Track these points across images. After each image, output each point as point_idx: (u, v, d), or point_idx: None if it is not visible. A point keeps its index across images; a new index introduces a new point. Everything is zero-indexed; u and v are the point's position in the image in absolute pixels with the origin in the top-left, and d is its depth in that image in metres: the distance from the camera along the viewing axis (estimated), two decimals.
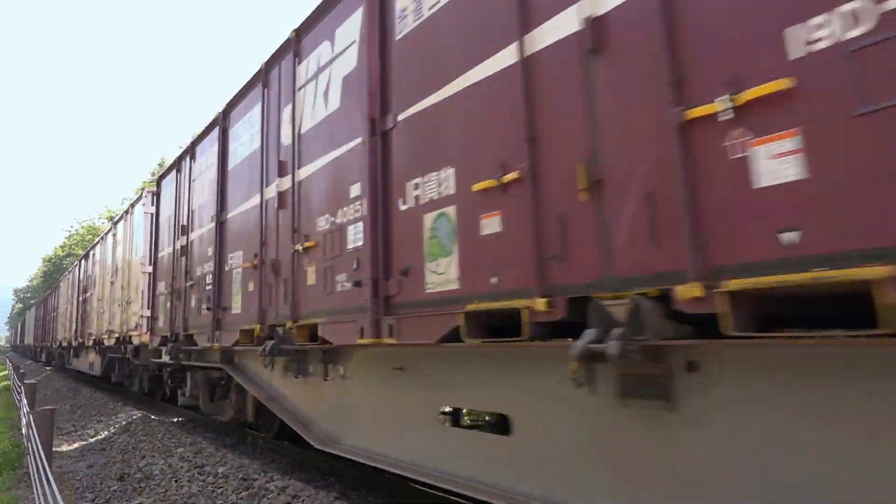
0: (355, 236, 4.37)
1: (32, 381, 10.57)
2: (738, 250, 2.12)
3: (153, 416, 10.45)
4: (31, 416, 6.49)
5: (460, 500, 4.52)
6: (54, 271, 54.30)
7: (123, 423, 10.49)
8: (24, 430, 8.93)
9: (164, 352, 9.18)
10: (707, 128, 2.24)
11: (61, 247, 55.80)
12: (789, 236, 1.98)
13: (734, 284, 2.08)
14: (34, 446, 5.52)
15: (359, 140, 4.43)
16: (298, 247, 5.13)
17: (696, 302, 2.19)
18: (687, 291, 2.22)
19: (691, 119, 2.27)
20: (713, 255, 2.19)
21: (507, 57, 3.17)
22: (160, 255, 10.35)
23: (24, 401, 9.16)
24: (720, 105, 2.18)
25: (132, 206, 13.23)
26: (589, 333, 2.52)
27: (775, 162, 2.04)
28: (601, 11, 2.67)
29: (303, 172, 5.33)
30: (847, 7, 1.88)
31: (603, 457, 2.88)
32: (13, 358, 39.97)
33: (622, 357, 2.35)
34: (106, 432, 9.85)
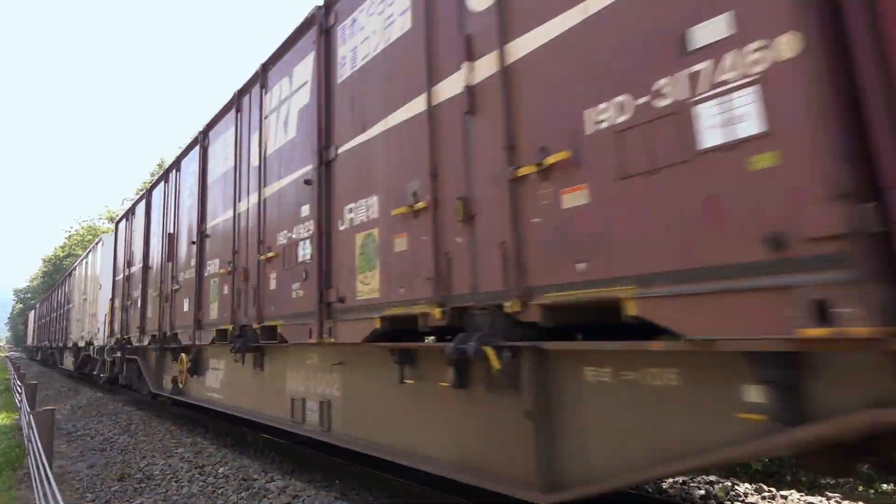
0: (304, 251, 5.17)
1: (33, 381, 10.55)
2: (549, 275, 2.81)
3: (153, 416, 10.44)
4: (31, 416, 6.49)
5: (462, 500, 4.52)
6: (54, 272, 54.26)
7: (123, 423, 10.49)
8: (24, 431, 8.93)
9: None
10: (529, 182, 2.98)
11: (61, 247, 55.66)
12: (580, 266, 2.69)
13: (544, 299, 2.83)
14: (34, 446, 5.51)
15: (310, 167, 5.16)
16: (262, 257, 5.88)
17: (519, 312, 2.95)
18: (511, 305, 2.98)
19: (520, 176, 3.01)
20: (531, 279, 2.92)
21: (417, 105, 3.85)
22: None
23: (25, 401, 9.16)
24: (534, 167, 2.91)
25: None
26: (458, 337, 3.22)
27: (574, 209, 2.73)
28: (474, 82, 3.40)
29: (267, 191, 6.05)
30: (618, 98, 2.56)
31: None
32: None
33: (475, 354, 3.08)
34: (106, 432, 9.85)
